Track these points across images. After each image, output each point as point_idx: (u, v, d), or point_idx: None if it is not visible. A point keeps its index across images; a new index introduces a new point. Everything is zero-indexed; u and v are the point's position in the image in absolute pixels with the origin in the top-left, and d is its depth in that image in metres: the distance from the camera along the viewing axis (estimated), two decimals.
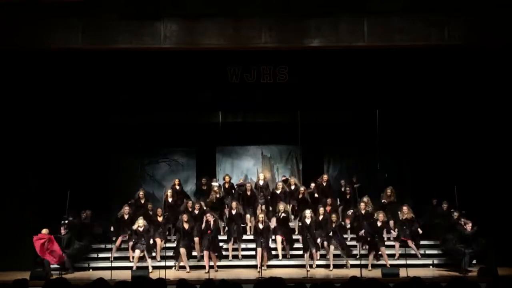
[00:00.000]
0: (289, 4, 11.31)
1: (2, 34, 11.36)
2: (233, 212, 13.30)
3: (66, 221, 12.88)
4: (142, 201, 13.87)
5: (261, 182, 14.29)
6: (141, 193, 13.93)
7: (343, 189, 14.59)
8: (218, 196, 13.93)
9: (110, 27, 11.41)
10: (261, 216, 12.91)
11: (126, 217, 13.20)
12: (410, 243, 13.14)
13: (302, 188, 14.07)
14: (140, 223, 12.82)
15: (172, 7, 11.34)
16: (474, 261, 12.81)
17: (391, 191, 13.92)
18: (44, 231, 12.45)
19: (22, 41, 11.42)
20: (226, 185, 14.35)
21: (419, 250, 13.22)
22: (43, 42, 11.46)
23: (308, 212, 12.98)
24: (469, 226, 12.32)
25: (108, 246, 13.19)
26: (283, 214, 13.02)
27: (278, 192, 14.03)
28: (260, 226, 12.79)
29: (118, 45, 11.58)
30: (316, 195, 14.18)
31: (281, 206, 13.16)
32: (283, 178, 15.34)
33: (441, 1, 11.23)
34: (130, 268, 12.62)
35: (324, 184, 14.40)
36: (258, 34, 11.40)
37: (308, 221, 12.86)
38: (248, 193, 14.04)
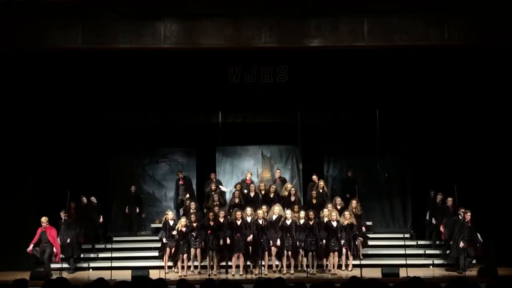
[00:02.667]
0: (289, 4, 11.29)
1: (2, 34, 11.37)
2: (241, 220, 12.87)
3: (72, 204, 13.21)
4: (192, 211, 13.66)
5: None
6: (192, 204, 13.66)
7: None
8: (219, 202, 13.75)
9: (110, 27, 11.41)
10: (260, 212, 12.69)
11: (171, 222, 12.89)
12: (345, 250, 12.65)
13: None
14: (182, 222, 12.60)
15: (172, 7, 11.34)
16: (474, 261, 12.82)
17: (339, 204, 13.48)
18: (44, 219, 12.48)
19: (22, 41, 11.43)
20: (236, 200, 13.86)
21: (353, 261, 12.74)
22: (43, 42, 11.46)
23: (288, 213, 12.74)
24: (467, 216, 12.33)
25: (108, 246, 13.16)
26: (275, 216, 12.84)
27: (271, 195, 13.89)
28: (260, 222, 12.58)
29: (118, 45, 11.59)
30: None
31: (277, 208, 12.96)
32: (277, 172, 15.20)
33: (441, 1, 11.23)
34: (130, 268, 12.60)
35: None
36: (258, 34, 11.40)
37: (288, 222, 12.59)
38: (252, 194, 14.00)
